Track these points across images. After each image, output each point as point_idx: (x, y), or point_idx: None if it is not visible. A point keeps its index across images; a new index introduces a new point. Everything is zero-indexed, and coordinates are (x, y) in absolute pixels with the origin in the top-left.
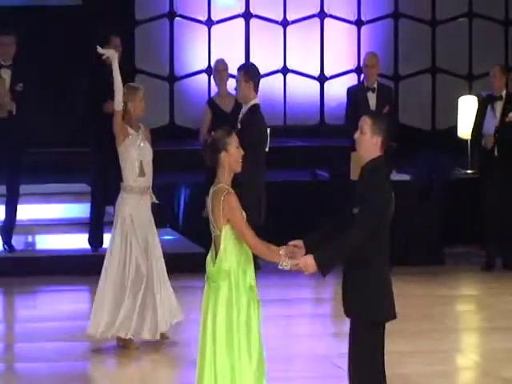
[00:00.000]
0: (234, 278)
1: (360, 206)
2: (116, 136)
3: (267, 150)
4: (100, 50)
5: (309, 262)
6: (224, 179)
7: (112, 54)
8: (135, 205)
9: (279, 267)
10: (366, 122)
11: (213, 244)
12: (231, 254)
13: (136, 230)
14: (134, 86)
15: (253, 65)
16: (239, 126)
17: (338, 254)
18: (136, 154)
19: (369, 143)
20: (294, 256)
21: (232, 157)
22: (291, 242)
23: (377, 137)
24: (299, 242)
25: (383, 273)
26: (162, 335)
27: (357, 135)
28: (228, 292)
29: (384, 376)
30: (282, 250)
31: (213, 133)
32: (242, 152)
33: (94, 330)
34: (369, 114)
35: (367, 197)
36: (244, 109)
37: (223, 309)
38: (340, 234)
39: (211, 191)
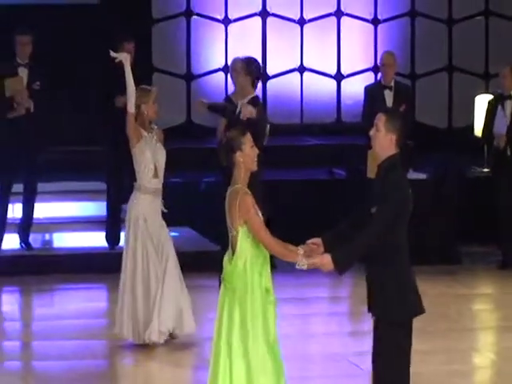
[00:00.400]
0: (249, 278)
1: (377, 204)
2: (130, 138)
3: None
4: (113, 54)
5: (326, 260)
6: (240, 179)
7: (125, 58)
8: (148, 205)
9: (296, 267)
10: (380, 119)
11: (230, 244)
12: (247, 255)
13: (149, 230)
14: (147, 88)
15: (255, 60)
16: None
17: (355, 252)
18: (151, 156)
19: (384, 140)
20: (312, 254)
21: (247, 156)
22: (309, 241)
23: (391, 134)
24: (317, 240)
25: (404, 271)
26: (171, 335)
27: (372, 132)
28: (244, 293)
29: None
30: (301, 249)
31: (227, 133)
32: (256, 151)
33: (119, 329)
34: (384, 111)
35: (385, 195)
36: (243, 101)
37: (238, 310)
38: (357, 232)
39: (228, 191)
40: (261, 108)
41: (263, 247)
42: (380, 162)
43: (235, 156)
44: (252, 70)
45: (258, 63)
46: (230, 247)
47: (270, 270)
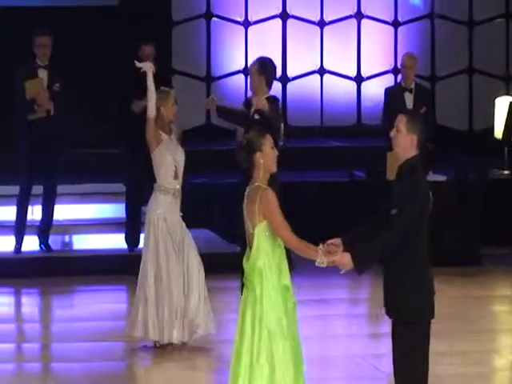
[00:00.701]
0: (269, 277)
1: (398, 205)
2: (149, 142)
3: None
4: (137, 64)
5: (345, 259)
6: (260, 179)
7: (148, 68)
8: (168, 206)
9: (316, 264)
10: (401, 120)
11: (248, 243)
12: (265, 253)
13: (169, 230)
14: (166, 90)
15: (269, 60)
16: (256, 116)
17: (374, 253)
18: (171, 158)
19: (404, 141)
20: (332, 254)
21: (267, 157)
22: (329, 241)
23: (412, 135)
24: (337, 240)
25: (422, 272)
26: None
27: (393, 133)
28: (262, 293)
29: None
30: (320, 248)
31: (246, 134)
32: (276, 152)
33: (142, 331)
34: (404, 113)
35: (404, 197)
36: (255, 101)
37: (259, 309)
38: (377, 233)
39: (247, 191)
40: (275, 107)
41: (281, 244)
42: (400, 163)
43: (255, 157)
44: (266, 70)
45: (272, 63)
46: (248, 246)
47: (288, 267)
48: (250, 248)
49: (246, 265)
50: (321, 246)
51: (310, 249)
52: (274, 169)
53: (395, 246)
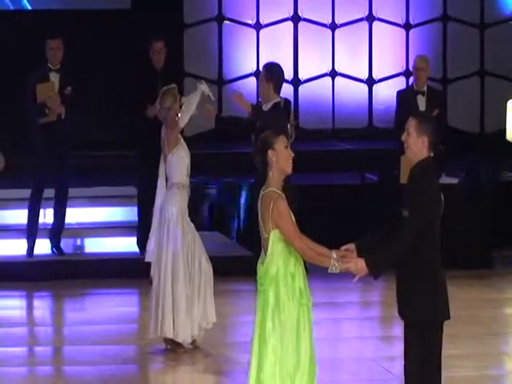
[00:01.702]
0: (282, 282)
1: (409, 208)
2: (169, 144)
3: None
4: (202, 87)
5: (360, 265)
6: (274, 182)
7: (203, 89)
8: (184, 204)
9: (329, 271)
10: (411, 124)
11: (262, 247)
12: (279, 258)
13: (190, 226)
14: (173, 88)
15: (277, 66)
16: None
17: (389, 257)
18: (187, 157)
19: (415, 144)
20: (346, 259)
21: (280, 155)
22: (343, 247)
23: (423, 137)
24: (351, 246)
25: (434, 274)
26: (193, 342)
27: (404, 137)
28: (275, 298)
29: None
30: (334, 253)
31: (261, 135)
32: (292, 153)
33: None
34: (414, 115)
35: (416, 200)
36: (265, 108)
37: (270, 314)
38: (391, 237)
39: (261, 194)
40: (281, 111)
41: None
42: (412, 165)
43: (268, 155)
44: (273, 76)
45: (279, 68)
46: (262, 250)
47: (303, 271)
48: (265, 251)
49: (260, 268)
50: (334, 253)
51: (323, 256)
52: (288, 170)
53: (409, 248)
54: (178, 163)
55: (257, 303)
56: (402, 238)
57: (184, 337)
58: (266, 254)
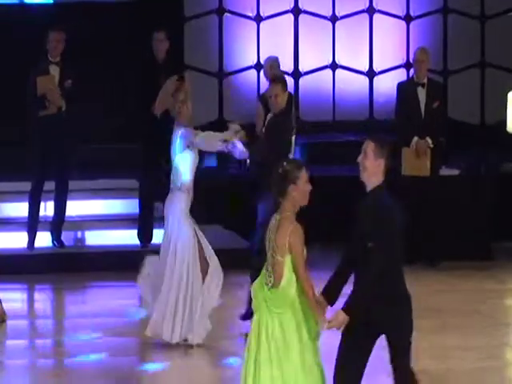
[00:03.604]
0: (299, 306)
1: (373, 238)
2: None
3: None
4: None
5: (340, 318)
6: (289, 210)
7: (231, 136)
8: (189, 205)
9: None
10: (369, 146)
11: (269, 267)
12: (295, 283)
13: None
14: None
15: (283, 76)
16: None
17: (364, 295)
18: (197, 158)
19: (372, 166)
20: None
21: (301, 191)
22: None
23: (380, 160)
24: (319, 297)
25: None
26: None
27: (360, 159)
28: (294, 318)
29: None
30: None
31: (284, 163)
32: (310, 187)
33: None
34: (371, 138)
35: (377, 233)
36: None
37: (293, 332)
38: (359, 272)
39: (277, 217)
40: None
41: None
42: (369, 190)
43: (288, 189)
44: (286, 84)
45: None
46: (269, 270)
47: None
48: (275, 273)
49: (269, 291)
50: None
51: (318, 304)
52: (304, 203)
53: (379, 281)
54: (186, 163)
55: (261, 320)
56: (370, 275)
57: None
58: (275, 275)
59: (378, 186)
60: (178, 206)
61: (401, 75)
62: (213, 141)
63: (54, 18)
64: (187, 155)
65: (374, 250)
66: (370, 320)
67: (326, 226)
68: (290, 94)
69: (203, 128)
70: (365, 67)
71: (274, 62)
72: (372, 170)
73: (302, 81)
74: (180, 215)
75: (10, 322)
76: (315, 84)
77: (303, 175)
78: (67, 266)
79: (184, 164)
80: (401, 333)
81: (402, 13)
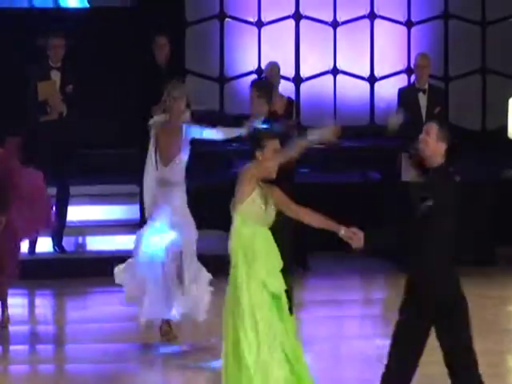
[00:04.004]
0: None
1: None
2: (177, 147)
3: None
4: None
5: (359, 236)
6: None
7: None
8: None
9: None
10: (432, 128)
11: None
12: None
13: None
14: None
15: (265, 80)
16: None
17: (388, 236)
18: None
19: (435, 147)
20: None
21: (266, 160)
22: (353, 228)
23: (441, 143)
24: (358, 231)
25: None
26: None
27: (422, 137)
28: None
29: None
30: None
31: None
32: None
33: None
34: (434, 122)
35: (439, 207)
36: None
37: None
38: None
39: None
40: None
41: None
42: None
43: (256, 153)
44: (265, 91)
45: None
46: None
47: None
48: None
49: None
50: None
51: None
52: (270, 176)
53: (410, 235)
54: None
55: None
56: (405, 225)
57: None
58: None
59: (440, 166)
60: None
61: (402, 81)
62: (229, 130)
63: (53, 24)
64: (187, 151)
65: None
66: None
67: (325, 232)
68: (290, 99)
69: None
70: (366, 73)
71: (274, 67)
72: (433, 150)
73: (303, 86)
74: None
75: (10, 328)
76: (316, 89)
77: (272, 144)
78: (68, 271)
79: (180, 165)
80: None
81: (403, 18)
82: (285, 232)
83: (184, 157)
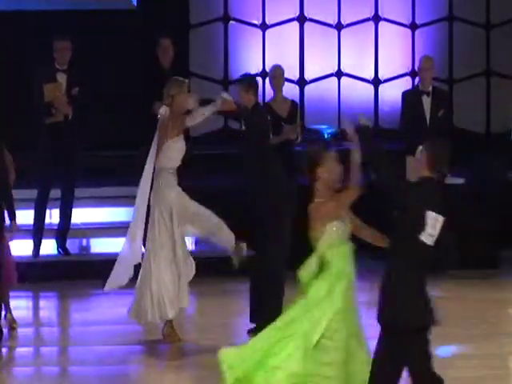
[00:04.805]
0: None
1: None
2: (172, 131)
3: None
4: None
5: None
6: (322, 195)
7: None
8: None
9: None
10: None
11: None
12: None
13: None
14: (180, 80)
15: (248, 74)
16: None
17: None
18: (183, 151)
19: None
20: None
21: (330, 172)
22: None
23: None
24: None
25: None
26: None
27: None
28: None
29: None
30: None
31: (308, 148)
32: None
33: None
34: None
35: None
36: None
37: None
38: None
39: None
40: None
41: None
42: None
43: (317, 171)
44: (252, 85)
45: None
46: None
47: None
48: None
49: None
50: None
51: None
52: (336, 185)
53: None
54: (173, 149)
55: None
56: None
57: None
58: None
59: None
60: (169, 190)
61: (406, 83)
62: (200, 111)
63: (58, 26)
64: (179, 139)
65: None
66: None
67: None
68: (294, 102)
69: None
70: (370, 75)
71: (278, 69)
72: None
73: (307, 89)
74: (173, 200)
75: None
76: (320, 92)
77: (330, 156)
78: (72, 273)
79: (174, 148)
80: None
81: (407, 21)
82: (285, 232)
83: (182, 147)
